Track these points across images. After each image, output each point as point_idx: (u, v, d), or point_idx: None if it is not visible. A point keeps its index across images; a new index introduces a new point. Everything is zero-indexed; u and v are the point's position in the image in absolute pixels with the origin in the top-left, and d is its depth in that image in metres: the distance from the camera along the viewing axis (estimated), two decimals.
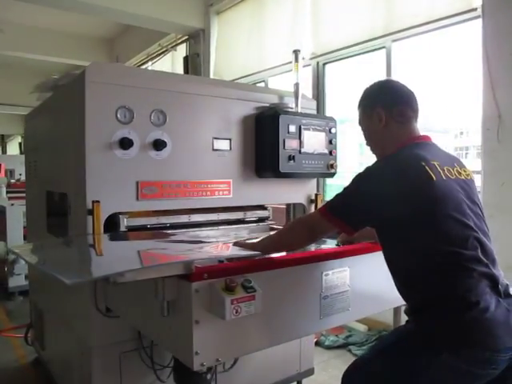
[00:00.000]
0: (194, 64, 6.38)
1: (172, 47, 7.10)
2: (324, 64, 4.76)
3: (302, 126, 2.47)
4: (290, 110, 2.49)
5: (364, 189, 1.48)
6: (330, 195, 4.74)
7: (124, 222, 2.19)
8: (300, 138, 2.47)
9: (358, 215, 1.49)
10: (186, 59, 6.51)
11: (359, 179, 1.51)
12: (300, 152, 2.48)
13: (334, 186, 5.00)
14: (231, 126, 2.39)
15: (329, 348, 3.55)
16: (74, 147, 2.08)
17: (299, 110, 2.55)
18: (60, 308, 2.51)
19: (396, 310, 2.22)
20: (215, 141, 2.33)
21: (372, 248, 1.83)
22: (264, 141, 2.45)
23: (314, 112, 2.78)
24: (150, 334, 1.71)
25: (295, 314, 1.57)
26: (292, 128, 2.43)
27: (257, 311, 1.35)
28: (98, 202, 1.93)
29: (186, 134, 2.22)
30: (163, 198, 2.15)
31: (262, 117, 2.45)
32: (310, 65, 4.84)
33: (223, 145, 2.36)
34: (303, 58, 4.83)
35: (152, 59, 7.88)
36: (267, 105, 2.50)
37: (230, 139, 2.39)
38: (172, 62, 7.46)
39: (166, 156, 2.15)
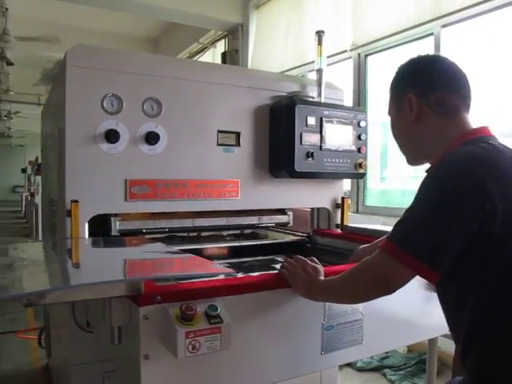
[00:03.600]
0: (233, 60, 6.18)
1: (211, 44, 6.95)
2: (366, 56, 4.35)
3: (324, 118, 2.13)
4: (310, 99, 2.15)
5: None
6: (371, 201, 4.32)
7: (116, 226, 1.95)
8: (321, 131, 2.13)
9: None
10: (223, 55, 6.32)
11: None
12: (321, 148, 2.13)
13: (379, 191, 4.58)
14: (240, 118, 2.09)
15: (360, 370, 3.16)
16: (60, 142, 1.86)
17: (322, 100, 2.21)
18: (55, 316, 2.32)
19: (431, 343, 1.83)
20: (220, 134, 2.04)
21: None
22: (278, 135, 2.13)
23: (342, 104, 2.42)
24: (112, 361, 1.44)
25: (285, 349, 1.24)
26: (311, 120, 2.09)
27: (224, 347, 1.04)
28: (76, 201, 1.69)
29: (184, 127, 1.94)
30: (156, 198, 1.88)
31: (276, 107, 2.14)
32: (350, 57, 4.46)
33: (230, 139, 2.07)
34: (345, 51, 4.51)
35: (192, 57, 7.76)
36: (284, 94, 2.18)
37: (239, 133, 2.09)
38: (213, 59, 7.30)
39: (161, 151, 1.89)
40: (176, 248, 1.99)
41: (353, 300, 1.27)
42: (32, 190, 10.81)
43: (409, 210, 1.10)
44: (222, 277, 1.29)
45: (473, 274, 1.06)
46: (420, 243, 1.05)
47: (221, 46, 6.75)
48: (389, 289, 1.11)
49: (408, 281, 1.09)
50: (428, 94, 1.23)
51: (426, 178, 1.12)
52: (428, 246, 1.04)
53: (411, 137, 1.31)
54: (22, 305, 0.89)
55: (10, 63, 7.81)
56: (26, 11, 6.68)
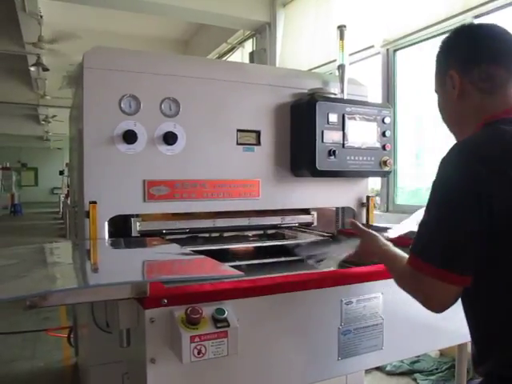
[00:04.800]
0: (261, 59, 6.16)
1: (240, 44, 6.95)
2: (394, 51, 4.22)
3: (346, 115, 2.06)
4: (331, 96, 2.09)
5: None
6: (402, 199, 4.19)
7: (136, 227, 1.95)
8: (343, 129, 2.06)
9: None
10: (251, 54, 6.30)
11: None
12: (343, 146, 2.07)
13: (412, 190, 4.44)
14: (260, 117, 2.05)
15: (390, 374, 3.06)
16: (79, 143, 1.88)
17: (345, 97, 2.14)
18: (79, 316, 2.35)
19: (461, 348, 1.73)
20: (240, 133, 2.01)
21: None
22: (299, 133, 2.08)
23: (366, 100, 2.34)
24: (125, 363, 1.43)
25: (299, 355, 1.20)
26: (333, 117, 2.03)
27: (231, 353, 1.01)
28: (94, 202, 1.70)
29: (203, 126, 1.92)
30: (175, 199, 1.87)
31: (297, 105, 2.09)
32: (379, 53, 4.35)
33: (250, 138, 2.03)
34: (372, 46, 4.40)
35: (221, 58, 7.78)
36: (305, 91, 2.13)
37: (259, 132, 2.05)
38: (241, 59, 7.30)
39: (179, 151, 1.87)
40: (196, 248, 1.98)
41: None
42: (66, 192, 11.16)
43: (423, 218, 1.04)
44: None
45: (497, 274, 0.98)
46: (437, 251, 0.98)
47: (249, 46, 6.74)
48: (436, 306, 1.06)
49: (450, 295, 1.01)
50: (471, 69, 1.11)
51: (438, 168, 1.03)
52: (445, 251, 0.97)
53: (455, 115, 1.20)
54: (24, 307, 0.89)
55: (45, 69, 8.07)
56: (57, 17, 6.86)
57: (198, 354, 0.96)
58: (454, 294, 1.00)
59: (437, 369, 3.07)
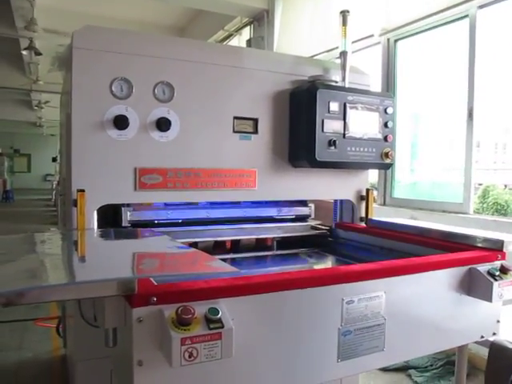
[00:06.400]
0: (258, 47, 6.04)
1: (237, 31, 6.82)
2: (395, 41, 4.13)
3: (348, 104, 1.98)
4: (333, 84, 2.01)
5: None
6: (399, 193, 4.12)
7: (127, 216, 1.87)
8: (344, 118, 1.98)
9: None
10: (248, 42, 6.18)
11: None
12: (344, 136, 1.99)
13: (408, 184, 4.38)
14: (258, 104, 1.97)
15: (385, 370, 3.02)
16: (67, 128, 1.79)
17: (346, 85, 2.06)
18: (68, 308, 2.28)
19: (461, 349, 1.68)
20: (237, 121, 1.92)
21: (423, 264, 1.33)
22: (298, 122, 2.00)
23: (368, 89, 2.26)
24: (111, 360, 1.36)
25: (297, 357, 1.13)
26: (334, 106, 1.95)
27: (226, 356, 0.93)
28: (82, 191, 1.61)
29: (198, 112, 1.83)
30: (168, 188, 1.79)
31: (296, 92, 2.00)
32: (379, 43, 4.25)
33: (247, 126, 1.95)
34: (372, 36, 4.30)
35: None
36: (306, 78, 2.04)
37: (257, 119, 1.97)
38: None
39: (173, 138, 1.79)
40: (189, 240, 1.90)
41: None
42: (58, 179, 11.03)
43: None
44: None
45: None
46: None
47: (246, 34, 6.61)
48: None
49: None
50: None
51: None
52: None
53: None
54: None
55: (38, 53, 7.88)
56: (51, 1, 6.69)
57: (189, 357, 0.89)
58: None
59: (431, 365, 3.03)
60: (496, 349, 1.65)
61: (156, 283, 1.00)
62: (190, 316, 0.90)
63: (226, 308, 0.98)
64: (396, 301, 1.28)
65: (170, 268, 1.15)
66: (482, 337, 1.50)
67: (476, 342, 1.55)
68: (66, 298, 0.93)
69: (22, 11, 6.58)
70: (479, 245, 1.59)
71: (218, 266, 1.05)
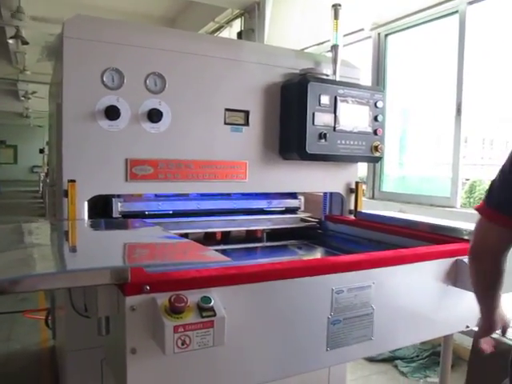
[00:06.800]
0: (249, 39, 6.02)
1: (227, 23, 6.78)
2: (386, 35, 4.15)
3: (338, 98, 2.00)
4: (324, 77, 2.02)
5: None
6: (388, 187, 4.16)
7: (117, 207, 1.87)
8: (335, 111, 2.00)
9: None
10: (239, 34, 6.16)
11: None
12: (335, 129, 2.01)
13: (397, 177, 4.42)
14: (249, 96, 1.97)
15: (371, 361, 3.06)
16: (58, 119, 1.78)
17: (337, 79, 2.07)
18: (57, 298, 2.27)
19: (446, 339, 1.72)
20: (228, 113, 1.93)
21: (411, 255, 1.36)
22: (289, 115, 2.01)
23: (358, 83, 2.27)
24: (104, 350, 1.36)
25: (286, 345, 1.15)
26: (324, 99, 1.96)
27: (218, 343, 0.95)
28: (73, 181, 1.60)
29: (190, 104, 1.84)
30: (159, 179, 1.79)
31: (287, 85, 2.01)
32: (370, 37, 4.27)
33: (238, 118, 1.96)
34: (362, 30, 4.31)
35: None
36: (297, 71, 2.05)
37: (248, 112, 1.97)
38: None
39: (164, 129, 1.79)
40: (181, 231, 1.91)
41: (476, 285, 1.21)
42: (46, 170, 10.91)
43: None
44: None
45: None
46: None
47: (237, 26, 6.58)
48: (484, 255, 1.13)
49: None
50: None
51: None
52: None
53: None
54: None
55: (25, 42, 7.75)
56: None
57: (182, 344, 0.90)
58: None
59: (417, 356, 3.09)
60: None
61: (149, 272, 1.01)
62: (182, 304, 0.92)
63: (218, 297, 1.00)
64: (384, 291, 1.31)
65: (163, 257, 1.17)
66: (468, 327, 1.53)
67: (461, 332, 1.58)
68: (59, 286, 0.93)
69: None
70: (466, 237, 1.62)
71: (211, 256, 1.06)
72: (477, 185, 4.32)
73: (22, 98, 14.71)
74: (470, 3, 3.31)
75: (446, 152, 3.50)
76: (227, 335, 0.97)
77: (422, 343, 3.24)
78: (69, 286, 0.95)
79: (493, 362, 1.73)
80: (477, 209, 1.12)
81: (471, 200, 4.22)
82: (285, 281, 1.14)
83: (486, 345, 1.34)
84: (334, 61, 2.09)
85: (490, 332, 1.27)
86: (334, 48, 2.10)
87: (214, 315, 0.94)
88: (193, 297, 0.95)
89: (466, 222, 1.82)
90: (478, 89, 3.55)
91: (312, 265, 1.23)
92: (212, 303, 0.95)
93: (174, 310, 0.91)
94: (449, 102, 3.44)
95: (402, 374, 2.93)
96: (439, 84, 3.85)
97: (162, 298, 0.94)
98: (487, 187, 1.12)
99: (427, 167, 4.21)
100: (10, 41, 7.75)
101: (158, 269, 1.01)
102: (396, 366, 3.02)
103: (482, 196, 1.15)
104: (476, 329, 1.31)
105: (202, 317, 0.93)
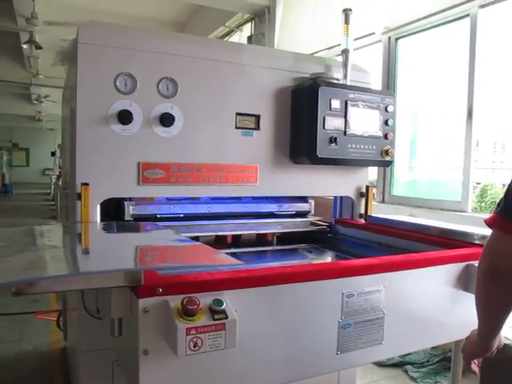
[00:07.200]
0: (259, 44, 6.05)
1: (238, 27, 6.82)
2: (396, 39, 4.15)
3: (349, 102, 2.00)
4: (334, 81, 2.03)
5: None
6: (398, 191, 4.15)
7: (129, 210, 1.89)
8: (346, 116, 2.00)
9: None
10: (249, 39, 6.19)
11: None
12: (345, 134, 2.01)
13: (407, 181, 4.40)
14: (260, 100, 1.99)
15: (381, 366, 3.05)
16: (72, 123, 1.80)
17: (348, 83, 2.08)
18: (69, 300, 2.30)
19: (457, 344, 1.70)
20: (239, 117, 1.94)
21: (422, 260, 1.36)
22: (300, 119, 2.02)
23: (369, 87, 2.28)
24: (116, 351, 1.38)
25: (297, 348, 1.15)
26: (335, 103, 1.97)
27: (229, 346, 0.96)
28: (86, 184, 1.63)
29: (201, 108, 1.85)
30: (170, 183, 1.81)
31: (298, 89, 2.02)
32: (380, 41, 4.27)
33: (249, 122, 1.97)
34: (373, 33, 4.31)
35: None
36: (308, 75, 2.06)
37: (259, 116, 1.99)
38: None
39: (176, 133, 1.81)
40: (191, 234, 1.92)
41: (486, 306, 1.13)
42: (58, 173, 11.01)
43: None
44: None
45: None
46: None
47: (247, 30, 6.62)
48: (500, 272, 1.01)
49: None
50: None
51: None
52: None
53: None
54: (11, 294, 0.83)
55: (38, 47, 7.87)
56: None
57: (194, 346, 0.91)
58: None
59: (428, 361, 3.06)
60: None
61: (161, 275, 1.02)
62: (195, 307, 0.93)
63: (230, 300, 1.01)
64: (395, 295, 1.31)
65: (175, 260, 1.18)
66: None
67: None
68: (74, 288, 0.95)
69: (22, 5, 6.57)
70: (477, 242, 1.61)
71: (223, 259, 1.07)
72: (488, 189, 4.28)
73: (35, 102, 14.90)
74: (482, 7, 3.29)
75: (457, 156, 3.48)
76: (238, 338, 0.98)
77: (433, 348, 3.21)
78: (83, 287, 0.97)
79: (505, 367, 1.71)
80: (489, 222, 1.02)
81: (482, 204, 4.18)
82: (295, 284, 1.15)
83: (475, 365, 1.29)
84: (345, 65, 2.10)
85: (486, 354, 1.22)
86: (345, 52, 2.11)
87: (226, 318, 0.95)
88: (205, 299, 0.97)
89: (477, 226, 1.81)
90: (490, 92, 3.53)
91: (322, 269, 1.24)
92: (224, 306, 0.96)
93: (187, 313, 0.92)
94: (460, 105, 3.43)
95: (412, 379, 2.91)
96: (450, 87, 3.84)
97: (175, 301, 0.95)
98: (501, 196, 1.04)
99: (438, 171, 4.19)
100: (24, 46, 7.86)
101: (170, 271, 1.03)
102: (406, 371, 3.00)
103: (494, 200, 1.12)
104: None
105: (214, 319, 0.94)
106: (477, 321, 1.12)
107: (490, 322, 1.14)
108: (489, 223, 1.02)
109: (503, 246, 0.98)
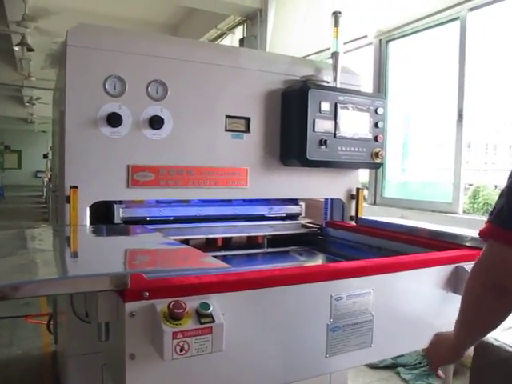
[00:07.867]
0: (251, 46, 6.06)
1: (230, 30, 6.83)
2: (387, 41, 4.17)
3: (339, 104, 2.01)
4: (324, 84, 2.03)
5: None
6: (389, 192, 4.16)
7: (119, 213, 1.88)
8: (335, 118, 2.01)
9: None
10: (241, 41, 6.19)
11: None
12: (335, 136, 2.02)
13: (399, 183, 4.42)
14: (250, 103, 1.99)
15: (373, 368, 3.05)
16: (60, 125, 1.79)
17: (338, 85, 2.08)
18: (59, 303, 2.28)
19: None
20: (229, 120, 1.94)
21: (411, 262, 1.36)
22: (290, 121, 2.02)
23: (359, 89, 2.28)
24: (104, 355, 1.37)
25: (286, 352, 1.15)
26: (325, 106, 1.97)
27: (216, 350, 0.95)
28: (75, 187, 1.62)
29: (191, 111, 1.85)
30: (160, 186, 1.80)
31: (288, 92, 2.03)
32: (371, 43, 4.29)
33: (239, 125, 1.97)
34: (365, 36, 4.33)
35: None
36: (297, 78, 2.06)
37: (249, 118, 1.99)
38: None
39: (166, 136, 1.80)
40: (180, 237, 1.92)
41: (477, 324, 1.10)
42: (49, 176, 10.96)
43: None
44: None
45: None
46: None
47: (239, 33, 6.63)
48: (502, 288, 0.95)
49: None
50: None
51: None
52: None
53: None
54: None
55: (30, 49, 7.83)
56: None
57: (181, 351, 0.91)
58: None
59: (420, 363, 3.07)
60: (481, 346, 1.69)
61: (148, 278, 1.02)
62: (181, 310, 0.92)
63: (217, 303, 1.00)
64: (384, 298, 1.31)
65: (163, 264, 1.17)
66: None
67: None
68: (60, 292, 0.94)
69: (14, 7, 6.54)
70: (467, 244, 1.62)
71: (210, 262, 1.07)
72: (480, 190, 4.31)
73: (27, 104, 14.83)
74: (471, 9, 3.32)
75: (449, 157, 3.50)
76: (226, 342, 0.98)
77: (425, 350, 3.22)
78: (68, 292, 0.96)
79: (495, 369, 1.72)
80: (484, 234, 0.94)
81: (475, 206, 4.21)
82: (283, 287, 1.14)
83: (442, 371, 1.29)
84: (335, 68, 2.10)
85: (456, 361, 1.21)
86: (335, 55, 2.11)
87: (213, 321, 0.95)
88: (192, 303, 0.96)
89: (469, 228, 1.82)
90: (481, 94, 3.56)
91: (311, 271, 1.24)
92: (211, 310, 0.96)
93: (173, 316, 0.92)
94: (451, 107, 3.45)
95: (405, 381, 2.92)
96: (442, 89, 3.86)
97: (162, 304, 0.94)
98: (493, 203, 0.96)
99: (429, 173, 4.21)
100: (16, 48, 7.82)
101: (157, 275, 1.02)
102: (398, 373, 3.00)
103: (486, 201, 1.09)
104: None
105: (201, 323, 0.94)
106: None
107: (480, 336, 1.12)
108: (485, 235, 0.94)
109: (503, 257, 0.91)
